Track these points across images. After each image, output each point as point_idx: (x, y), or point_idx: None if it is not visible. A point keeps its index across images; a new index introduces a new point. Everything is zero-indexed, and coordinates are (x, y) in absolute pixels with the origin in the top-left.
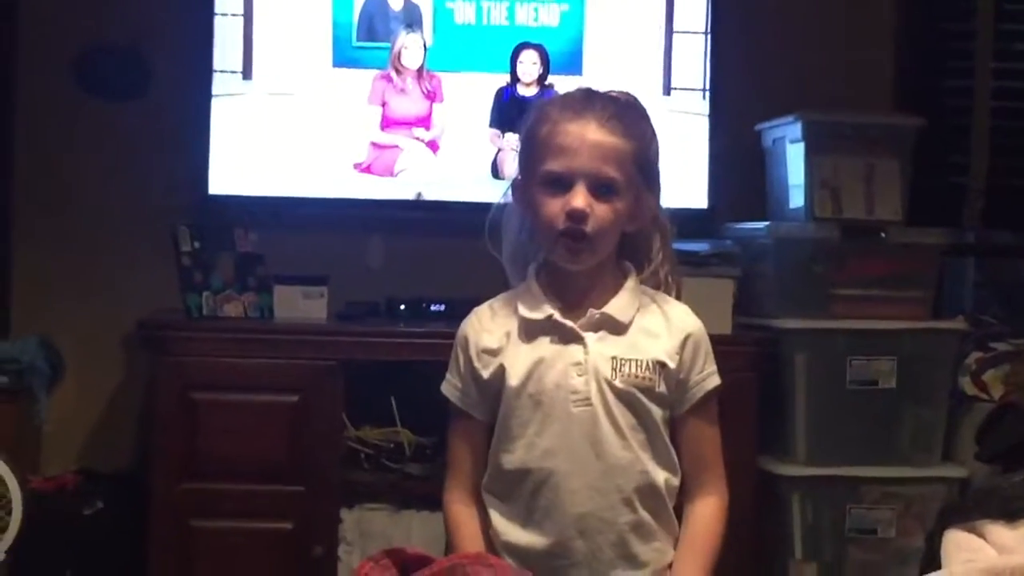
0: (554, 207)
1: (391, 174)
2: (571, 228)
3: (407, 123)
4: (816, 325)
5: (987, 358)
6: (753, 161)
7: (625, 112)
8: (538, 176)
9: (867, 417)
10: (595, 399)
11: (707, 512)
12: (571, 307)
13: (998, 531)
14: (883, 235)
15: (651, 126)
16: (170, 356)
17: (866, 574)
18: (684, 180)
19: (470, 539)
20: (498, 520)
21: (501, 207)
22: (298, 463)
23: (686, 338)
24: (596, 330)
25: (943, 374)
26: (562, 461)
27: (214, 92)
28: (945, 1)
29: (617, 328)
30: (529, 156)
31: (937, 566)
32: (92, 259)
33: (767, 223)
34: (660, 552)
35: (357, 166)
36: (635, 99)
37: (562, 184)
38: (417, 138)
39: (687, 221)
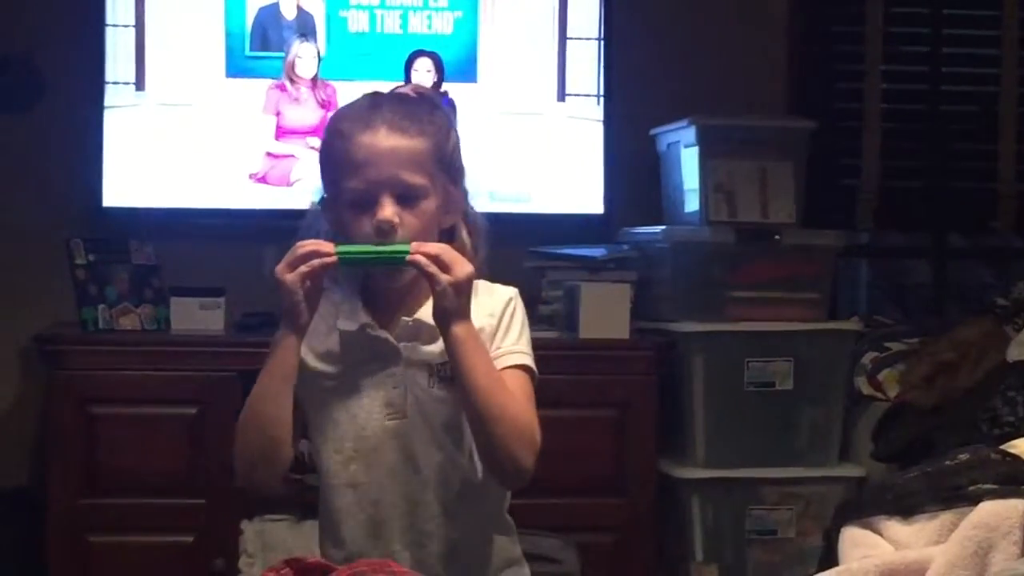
0: (363, 226)
1: (287, 184)
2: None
3: (302, 132)
4: (713, 328)
5: (882, 358)
6: (648, 166)
7: (414, 110)
8: (342, 197)
9: (765, 418)
10: (410, 411)
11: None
12: (385, 315)
13: (894, 527)
14: (777, 238)
15: (445, 117)
16: (66, 370)
17: (767, 575)
18: (580, 185)
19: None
20: (324, 540)
21: (313, 216)
22: (198, 475)
23: (506, 304)
24: (410, 339)
25: (839, 374)
26: (380, 475)
27: (107, 103)
28: (835, 5)
29: (431, 334)
30: (329, 177)
31: (835, 563)
32: None
33: (663, 227)
34: (498, 550)
35: (253, 176)
36: (425, 91)
37: (367, 200)
38: (312, 147)
39: (584, 226)
